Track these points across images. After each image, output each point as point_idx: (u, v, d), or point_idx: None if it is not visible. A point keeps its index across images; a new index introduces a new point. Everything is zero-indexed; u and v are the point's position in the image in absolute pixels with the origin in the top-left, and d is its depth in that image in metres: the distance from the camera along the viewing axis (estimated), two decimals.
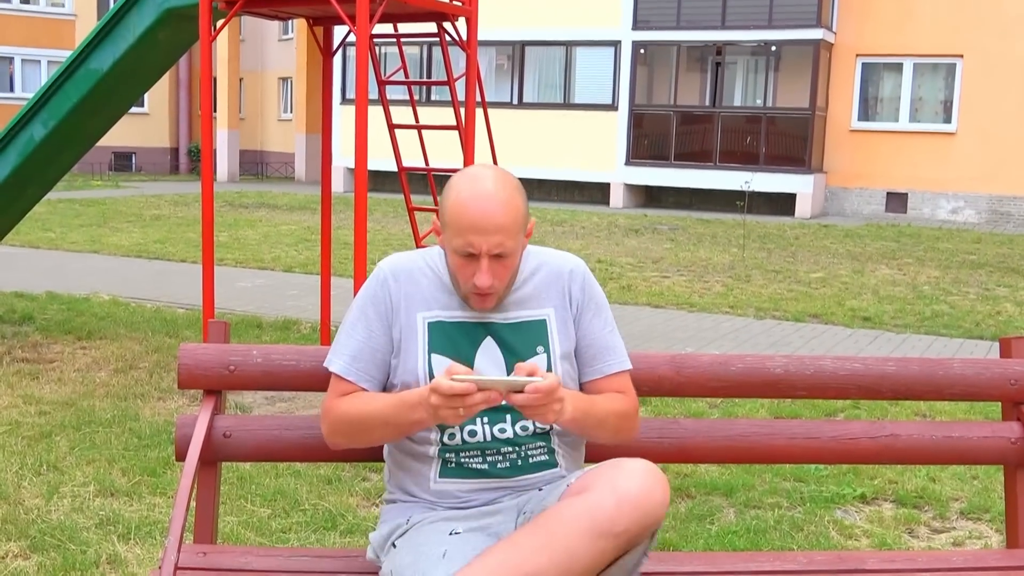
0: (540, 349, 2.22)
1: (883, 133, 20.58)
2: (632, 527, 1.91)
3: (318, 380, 2.41)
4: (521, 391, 1.93)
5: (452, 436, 2.18)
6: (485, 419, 2.17)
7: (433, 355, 2.17)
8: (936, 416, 5.61)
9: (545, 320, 2.25)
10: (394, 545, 2.14)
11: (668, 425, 2.52)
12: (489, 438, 2.17)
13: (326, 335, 6.81)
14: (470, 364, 2.18)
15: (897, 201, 20.61)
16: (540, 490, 2.15)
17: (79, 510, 3.92)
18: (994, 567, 2.41)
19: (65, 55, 23.96)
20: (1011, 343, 2.66)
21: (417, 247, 7.61)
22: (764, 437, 2.54)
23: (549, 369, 2.21)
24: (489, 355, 2.19)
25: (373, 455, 2.44)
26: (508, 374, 2.17)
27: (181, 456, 2.35)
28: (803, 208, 20.05)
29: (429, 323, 2.21)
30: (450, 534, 2.03)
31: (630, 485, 1.93)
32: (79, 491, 4.13)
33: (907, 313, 9.04)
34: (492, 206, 2.07)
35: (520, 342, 2.21)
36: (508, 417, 2.18)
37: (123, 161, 29.50)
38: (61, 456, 4.55)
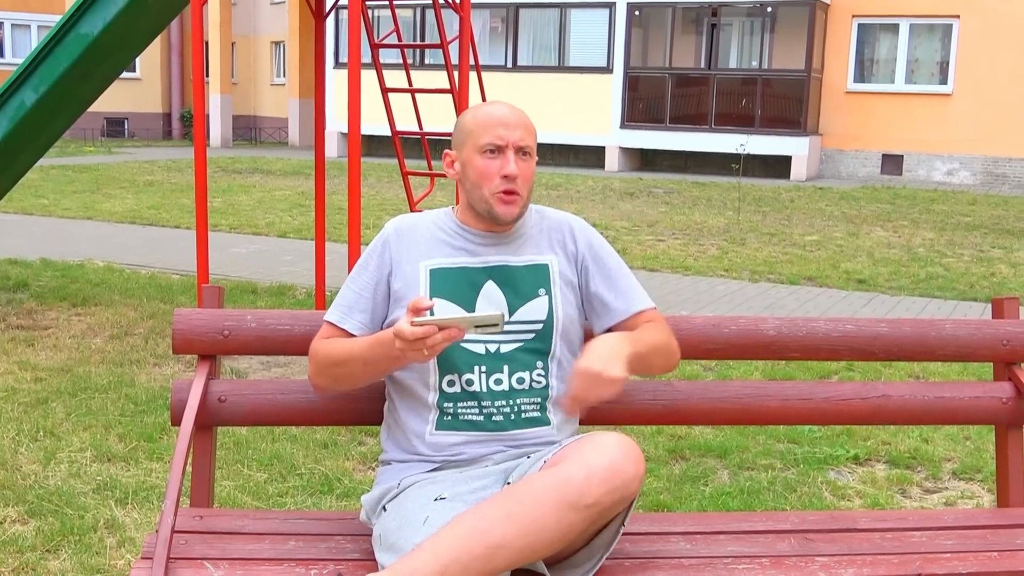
0: (542, 291, 2.27)
1: (879, 95, 20.51)
2: (603, 500, 1.92)
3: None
4: (482, 326, 1.95)
5: (452, 383, 2.21)
6: (483, 368, 2.20)
7: (435, 300, 2.22)
8: (929, 377, 5.63)
9: (548, 265, 2.30)
10: (384, 508, 2.17)
11: (662, 387, 2.53)
12: (485, 389, 2.20)
13: (321, 300, 6.82)
14: (471, 308, 2.22)
15: (892, 163, 20.57)
16: (528, 458, 2.17)
17: (76, 475, 3.94)
18: (985, 525, 2.43)
19: (55, 20, 23.77)
20: (1003, 304, 2.67)
21: (411, 211, 7.60)
22: (757, 399, 2.55)
23: (550, 310, 2.25)
24: (491, 298, 2.24)
25: (368, 419, 2.45)
26: (511, 315, 2.23)
27: (176, 421, 2.36)
28: (798, 170, 20.01)
29: (431, 270, 2.26)
30: (435, 500, 2.05)
31: (600, 458, 1.94)
32: (76, 457, 4.14)
33: (902, 275, 9.06)
34: (510, 110, 2.26)
35: (522, 284, 2.26)
36: (505, 368, 2.21)
37: (115, 127, 29.34)
38: (58, 422, 4.56)
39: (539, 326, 2.24)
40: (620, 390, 2.04)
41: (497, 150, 2.21)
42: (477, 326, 1.96)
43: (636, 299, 2.33)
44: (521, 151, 2.23)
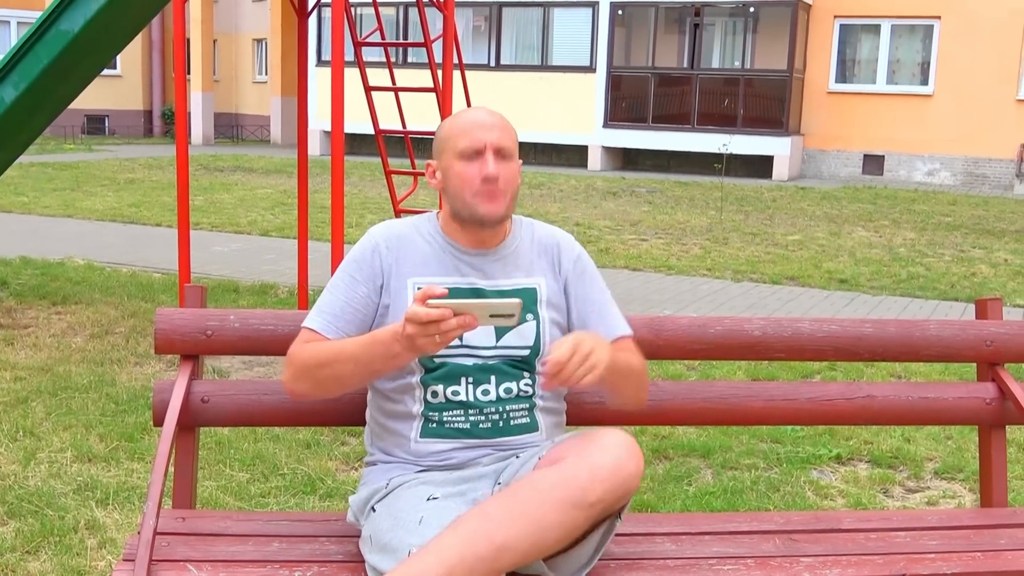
0: (529, 316, 2.22)
1: (860, 95, 20.60)
2: (606, 497, 1.91)
3: None
4: (497, 315, 1.88)
5: (435, 394, 2.17)
6: (469, 379, 2.17)
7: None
8: (911, 377, 5.66)
9: (536, 288, 2.26)
10: (373, 509, 2.14)
11: None
12: (472, 398, 2.17)
13: (304, 299, 6.78)
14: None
15: (874, 163, 20.67)
16: (517, 457, 2.15)
17: (56, 476, 3.91)
18: (968, 526, 2.44)
19: (35, 16, 23.58)
20: (987, 304, 2.68)
21: (394, 210, 7.58)
22: (742, 399, 2.55)
23: (537, 336, 2.21)
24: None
25: (351, 419, 2.44)
26: (497, 340, 2.18)
27: (159, 422, 2.34)
28: (780, 170, 20.08)
29: (419, 287, 2.18)
30: (428, 499, 2.03)
31: (604, 456, 1.93)
32: (56, 457, 4.11)
33: (883, 275, 9.09)
34: (489, 112, 2.24)
35: None
36: (492, 378, 2.18)
37: (96, 124, 29.16)
38: (38, 422, 4.52)
39: (525, 352, 2.20)
40: (596, 380, 1.95)
41: (476, 153, 2.16)
42: (493, 315, 1.88)
43: (617, 325, 2.30)
44: (500, 152, 2.17)
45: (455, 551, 1.84)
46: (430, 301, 1.87)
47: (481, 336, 2.18)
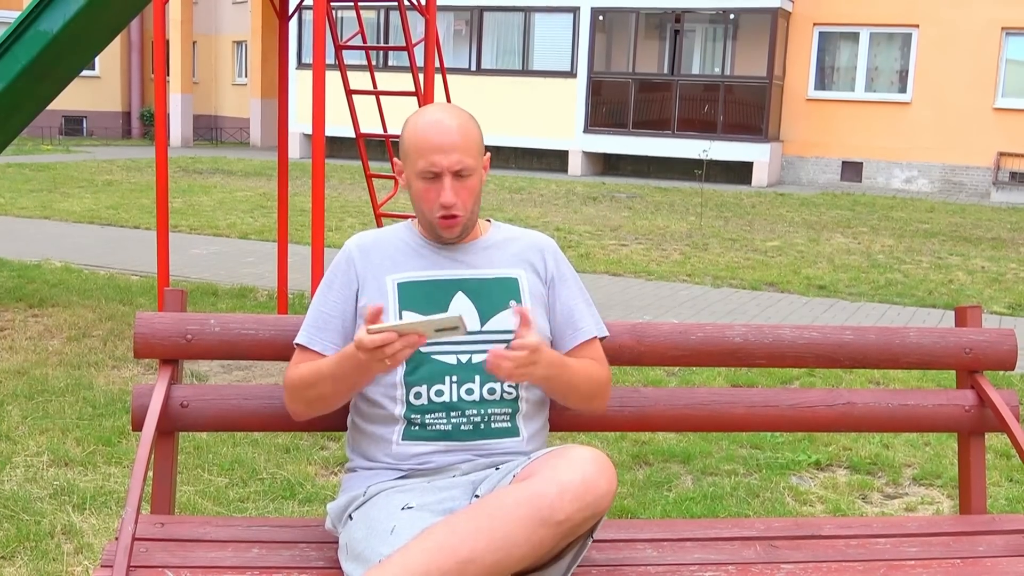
0: (513, 303, 2.25)
1: (839, 102, 20.72)
2: (574, 516, 1.89)
3: (277, 349, 2.39)
4: (443, 329, 1.92)
5: (418, 396, 2.18)
6: (454, 378, 2.17)
7: (404, 313, 2.20)
8: (889, 384, 5.69)
9: (517, 279, 2.28)
10: (351, 517, 2.14)
11: (629, 394, 2.53)
12: (456, 399, 2.17)
13: (283, 302, 6.75)
14: None
15: (852, 170, 20.79)
16: (497, 469, 2.15)
17: (33, 480, 3.87)
18: (948, 533, 2.45)
19: (13, 16, 23.44)
20: (966, 312, 2.70)
21: (375, 213, 7.57)
22: (724, 406, 2.55)
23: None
24: (461, 310, 2.21)
25: (331, 424, 2.43)
26: (483, 325, 2.20)
27: (138, 426, 2.32)
28: (760, 177, 20.16)
29: (399, 284, 2.23)
30: (402, 509, 2.02)
31: (573, 475, 1.91)
32: (32, 461, 4.07)
33: (862, 281, 9.14)
34: (448, 126, 2.18)
35: (493, 295, 2.24)
36: (477, 378, 2.18)
37: (74, 125, 28.99)
38: (13, 426, 4.48)
39: (510, 336, 2.19)
40: (521, 376, 2.02)
41: (434, 176, 2.18)
42: (438, 330, 1.92)
43: (595, 325, 2.34)
44: (459, 174, 2.18)
45: (420, 563, 1.83)
46: (371, 327, 1.93)
47: (468, 322, 2.18)
